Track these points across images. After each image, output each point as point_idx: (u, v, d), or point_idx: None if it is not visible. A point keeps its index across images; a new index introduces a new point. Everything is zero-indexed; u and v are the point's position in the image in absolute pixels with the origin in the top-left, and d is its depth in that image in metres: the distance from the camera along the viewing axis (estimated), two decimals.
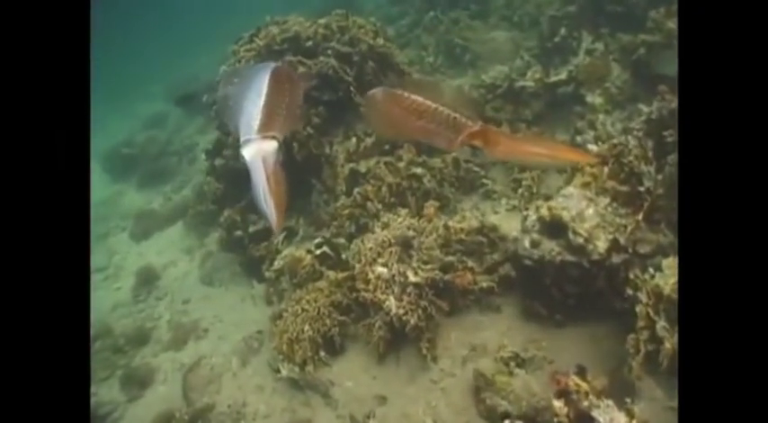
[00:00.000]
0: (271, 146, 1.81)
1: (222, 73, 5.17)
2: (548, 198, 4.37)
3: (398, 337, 3.69)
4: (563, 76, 5.11)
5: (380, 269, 3.61)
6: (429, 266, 3.64)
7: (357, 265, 3.76)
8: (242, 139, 1.85)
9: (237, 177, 5.26)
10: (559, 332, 3.57)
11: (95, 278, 6.67)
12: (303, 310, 3.97)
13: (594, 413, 2.30)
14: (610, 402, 2.33)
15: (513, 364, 3.41)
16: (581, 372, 2.69)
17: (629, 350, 3.03)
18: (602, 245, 3.26)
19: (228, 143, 5.05)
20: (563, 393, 2.58)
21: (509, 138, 2.04)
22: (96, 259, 6.92)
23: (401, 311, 3.51)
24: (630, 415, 2.30)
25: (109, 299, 6.19)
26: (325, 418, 3.73)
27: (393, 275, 3.58)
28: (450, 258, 3.75)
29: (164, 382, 4.73)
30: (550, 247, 3.38)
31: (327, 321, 3.89)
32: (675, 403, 2.95)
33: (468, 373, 3.51)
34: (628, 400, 2.46)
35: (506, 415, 3.19)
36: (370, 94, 2.16)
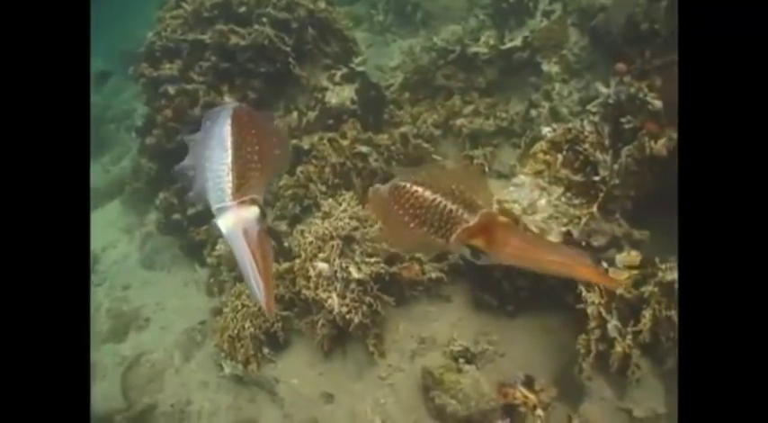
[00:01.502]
0: (251, 213, 1.58)
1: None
2: (500, 175, 4.27)
3: (344, 332, 3.58)
4: (518, 42, 4.89)
5: (321, 265, 3.46)
6: (373, 260, 3.49)
7: (297, 261, 3.59)
8: (214, 207, 1.60)
9: (172, 158, 4.97)
10: (511, 323, 3.51)
11: None
12: (243, 305, 3.81)
13: None
14: None
15: (462, 359, 3.34)
16: (529, 382, 2.63)
17: (579, 350, 2.99)
18: (554, 240, 3.16)
19: (158, 122, 4.74)
20: (509, 409, 2.52)
21: (518, 237, 1.71)
22: None
23: (344, 310, 3.38)
24: None
25: None
26: (271, 416, 3.65)
27: (335, 272, 3.43)
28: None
29: (103, 378, 4.56)
30: None
31: (270, 317, 3.74)
32: (625, 404, 2.94)
33: (417, 368, 3.45)
34: None
35: (455, 415, 3.14)
36: (372, 191, 1.95)
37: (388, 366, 3.52)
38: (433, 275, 3.63)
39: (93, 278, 5.70)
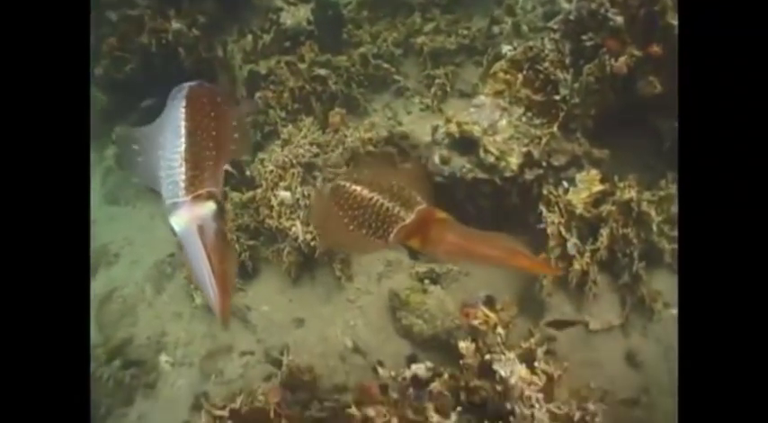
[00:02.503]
0: (206, 208, 1.45)
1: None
2: (463, 95, 4.25)
3: (310, 259, 3.65)
4: None
5: (283, 194, 3.49)
6: None
7: (259, 190, 3.60)
8: (167, 202, 1.46)
9: (123, 89, 4.85)
10: None
11: None
12: None
13: (496, 366, 2.34)
14: (512, 355, 2.37)
15: (427, 280, 3.45)
16: (489, 301, 2.73)
17: None
18: (514, 161, 3.22)
19: (104, 51, 4.57)
20: (471, 330, 2.63)
21: (454, 233, 1.69)
22: None
23: (309, 237, 3.44)
24: (532, 368, 2.35)
25: None
26: (245, 342, 3.75)
27: (297, 199, 3.46)
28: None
29: None
30: (461, 164, 3.31)
31: (236, 246, 3.79)
32: (582, 317, 3.09)
33: (385, 290, 3.56)
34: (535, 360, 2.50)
35: (422, 335, 3.28)
36: (317, 190, 1.89)
37: (356, 289, 3.62)
38: None
39: None
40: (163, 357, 3.94)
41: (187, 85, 1.68)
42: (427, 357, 3.24)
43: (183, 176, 1.47)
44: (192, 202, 1.45)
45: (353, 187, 1.79)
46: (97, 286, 4.76)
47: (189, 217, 1.45)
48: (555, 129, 3.30)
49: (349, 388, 3.21)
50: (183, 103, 1.58)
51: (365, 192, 1.75)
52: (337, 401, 3.11)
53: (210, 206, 1.47)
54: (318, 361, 3.35)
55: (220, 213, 1.48)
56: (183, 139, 1.52)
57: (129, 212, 5.35)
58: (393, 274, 3.62)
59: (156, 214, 5.11)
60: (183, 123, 1.54)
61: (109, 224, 5.33)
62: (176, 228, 1.46)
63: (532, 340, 2.61)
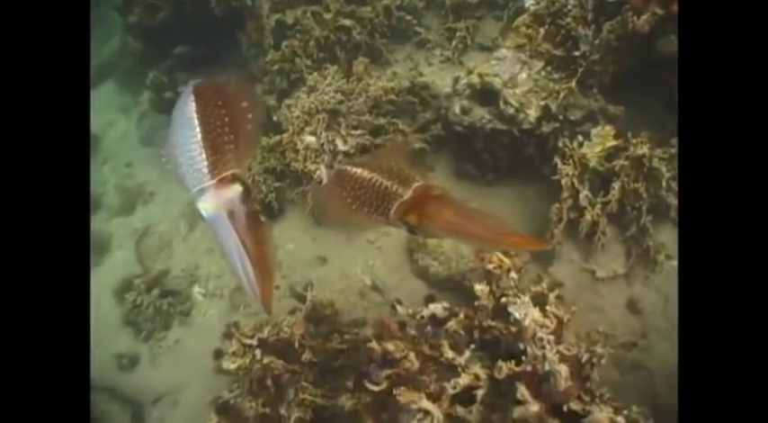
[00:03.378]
0: (233, 191, 1.33)
1: None
2: (483, 48, 4.03)
3: None
4: None
5: (309, 138, 3.35)
6: (359, 132, 3.39)
7: (285, 135, 3.47)
8: (194, 191, 1.36)
9: (157, 35, 4.66)
10: (490, 191, 3.48)
11: None
12: None
13: (511, 308, 2.25)
14: (526, 299, 2.27)
15: None
16: None
17: (552, 218, 2.98)
18: (533, 113, 3.06)
19: (136, 0, 4.37)
20: (485, 274, 2.53)
21: (450, 210, 1.54)
22: None
23: None
24: (543, 312, 2.25)
25: None
26: None
27: (322, 144, 3.32)
28: (381, 121, 3.49)
29: (120, 247, 4.60)
30: (481, 115, 3.15)
31: (263, 188, 3.69)
32: (590, 266, 2.99)
33: (403, 233, 3.44)
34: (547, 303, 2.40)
35: (437, 276, 3.20)
36: (316, 179, 1.73)
37: (376, 231, 3.53)
38: (417, 146, 3.54)
39: (98, 156, 5.58)
40: (196, 288, 3.92)
41: (191, 83, 1.57)
42: (442, 298, 3.19)
43: (205, 162, 1.37)
44: (218, 186, 1.35)
45: (354, 169, 1.72)
46: (135, 222, 4.74)
47: (217, 201, 1.35)
48: (573, 84, 3.12)
49: (367, 323, 3.17)
50: (192, 99, 1.47)
51: (365, 173, 1.68)
52: (356, 335, 3.07)
53: (237, 189, 1.36)
54: (339, 297, 3.29)
55: (248, 195, 1.37)
56: (197, 129, 1.42)
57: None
58: None
59: None
60: (194, 115, 1.44)
61: (145, 165, 5.26)
62: (205, 213, 1.36)
63: (544, 284, 2.51)
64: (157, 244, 4.31)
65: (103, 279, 4.36)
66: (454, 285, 3.17)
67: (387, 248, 3.47)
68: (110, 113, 5.94)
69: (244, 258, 1.31)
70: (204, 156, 1.38)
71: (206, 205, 1.35)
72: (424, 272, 3.25)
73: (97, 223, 4.89)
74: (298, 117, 3.40)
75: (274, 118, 3.97)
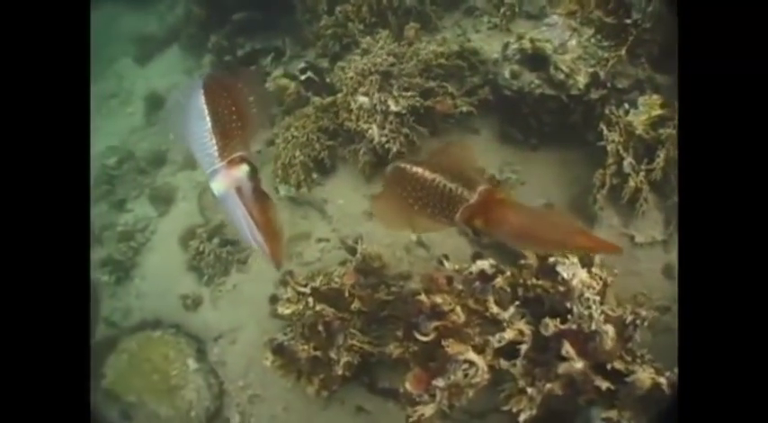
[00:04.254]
0: (241, 171, 1.38)
1: None
2: (530, 16, 3.76)
3: (383, 159, 3.39)
4: None
5: (362, 99, 3.19)
6: (409, 93, 3.20)
7: (339, 95, 3.32)
8: (206, 173, 1.41)
9: (218, 2, 4.53)
10: (533, 155, 3.28)
11: (111, 104, 6.18)
12: (293, 136, 3.62)
13: (559, 268, 2.09)
14: (575, 260, 2.11)
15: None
16: (548, 208, 2.45)
17: (595, 183, 2.78)
18: (581, 80, 2.83)
19: None
20: None
21: (516, 213, 1.39)
22: (108, 85, 6.35)
23: (383, 139, 3.17)
24: (590, 273, 2.09)
25: (125, 124, 5.75)
26: (322, 230, 3.62)
27: (375, 105, 3.16)
28: (431, 84, 3.29)
29: (183, 199, 4.57)
30: (530, 80, 2.93)
31: (317, 146, 3.56)
32: (629, 231, 2.80)
33: None
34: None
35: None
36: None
37: None
38: (464, 109, 3.34)
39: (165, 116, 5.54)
40: None
41: (198, 78, 1.58)
42: (486, 256, 3.05)
43: (215, 147, 1.41)
44: (228, 167, 1.40)
45: (414, 169, 1.54)
46: (198, 176, 4.68)
47: (227, 181, 1.39)
48: (623, 52, 2.87)
49: (413, 276, 3.06)
50: (201, 92, 1.49)
51: (426, 173, 1.50)
52: (402, 288, 2.97)
53: (244, 168, 1.40)
54: (386, 251, 3.18)
55: (254, 173, 1.42)
56: (207, 118, 1.45)
57: None
58: None
59: None
60: (204, 106, 1.46)
61: None
62: (217, 192, 1.40)
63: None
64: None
65: (170, 227, 4.36)
66: (497, 244, 3.02)
67: None
68: (174, 76, 5.86)
69: (252, 227, 1.35)
70: (214, 141, 1.42)
71: (217, 185, 1.40)
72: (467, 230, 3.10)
73: (163, 176, 4.89)
74: (351, 78, 3.23)
75: (327, 80, 3.82)
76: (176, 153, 5.02)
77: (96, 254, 4.32)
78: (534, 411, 1.99)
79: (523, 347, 2.10)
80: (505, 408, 2.05)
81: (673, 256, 2.81)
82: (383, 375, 2.87)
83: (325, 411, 2.98)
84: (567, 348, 1.96)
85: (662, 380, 1.95)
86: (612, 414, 1.99)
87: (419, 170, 1.52)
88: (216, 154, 1.40)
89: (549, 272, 2.17)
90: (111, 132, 5.61)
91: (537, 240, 1.40)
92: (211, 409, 3.20)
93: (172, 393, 3.19)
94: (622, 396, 1.99)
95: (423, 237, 3.24)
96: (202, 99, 1.47)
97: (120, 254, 4.22)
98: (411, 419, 2.06)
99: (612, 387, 1.92)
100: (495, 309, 2.23)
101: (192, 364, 3.30)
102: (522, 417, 1.98)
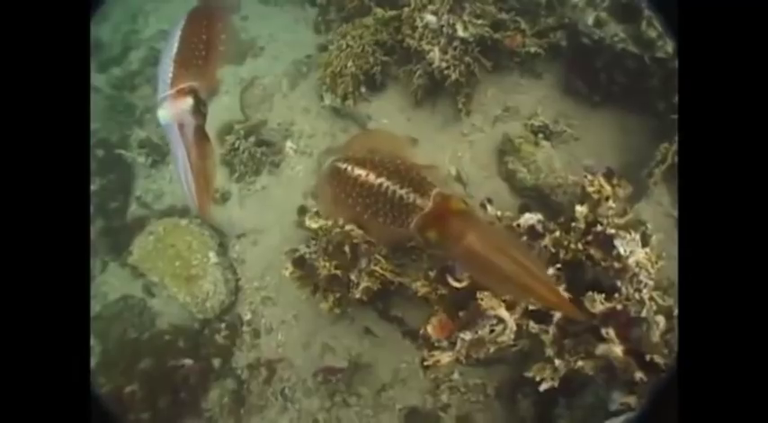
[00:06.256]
0: (185, 104, 1.24)
1: None
2: None
3: (437, 86, 2.96)
4: None
5: (429, 17, 2.69)
6: (480, 21, 2.70)
7: (406, 9, 2.81)
8: (159, 98, 1.28)
9: None
10: (593, 113, 2.82)
11: None
12: (348, 45, 3.15)
13: (617, 242, 1.73)
14: (636, 237, 1.74)
15: (541, 135, 2.76)
16: (609, 174, 2.06)
17: (656, 156, 2.35)
18: (671, 45, 2.30)
19: None
20: (587, 198, 1.99)
21: (477, 234, 1.06)
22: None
23: (444, 65, 2.72)
24: (647, 254, 1.73)
25: (180, 9, 5.11)
26: None
27: (441, 26, 2.67)
28: (504, 16, 2.78)
29: (226, 92, 4.16)
30: (615, 32, 2.41)
31: (371, 59, 3.10)
32: (675, 212, 2.40)
33: (497, 132, 2.90)
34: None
35: (523, 182, 2.68)
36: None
37: (471, 125, 2.97)
38: (532, 50, 2.84)
39: None
40: (288, 143, 3.53)
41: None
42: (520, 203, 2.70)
43: (170, 74, 1.30)
44: (174, 97, 1.27)
45: (356, 171, 1.20)
46: (243, 72, 4.26)
47: (171, 110, 1.27)
48: None
49: None
50: (184, 19, 1.41)
51: (371, 177, 1.18)
52: None
53: (189, 101, 1.27)
54: None
55: (198, 109, 1.29)
56: (175, 46, 1.35)
57: (277, 13, 4.62)
58: (508, 120, 2.92)
59: (299, 18, 4.40)
60: (178, 34, 1.37)
61: (258, 21, 4.63)
62: (162, 120, 1.28)
63: (649, 225, 1.97)
64: (260, 95, 3.86)
65: (209, 119, 3.99)
66: (538, 196, 2.66)
67: (478, 143, 2.94)
68: None
69: (187, 171, 1.25)
70: (171, 68, 1.32)
71: (163, 113, 1.27)
72: (510, 176, 2.73)
73: None
74: None
75: None
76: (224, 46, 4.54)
77: (136, 135, 4.04)
78: (556, 383, 1.73)
79: (557, 315, 1.80)
80: (527, 373, 1.79)
81: None
82: (398, 304, 2.63)
83: (333, 326, 2.79)
84: (609, 330, 1.65)
85: None
86: (631, 400, 1.73)
87: (362, 173, 1.19)
88: (168, 81, 1.29)
89: (604, 242, 1.82)
90: (165, 16, 5.09)
91: (493, 273, 1.06)
92: (225, 303, 3.02)
93: (191, 282, 3.01)
94: (648, 385, 1.72)
95: (462, 172, 2.88)
96: (181, 26, 1.38)
97: (159, 137, 3.91)
98: (426, 363, 1.82)
99: (645, 379, 1.63)
100: None
101: (212, 256, 3.09)
102: (543, 386, 1.72)
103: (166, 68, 1.31)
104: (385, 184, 1.16)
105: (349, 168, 1.22)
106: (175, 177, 3.74)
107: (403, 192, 1.14)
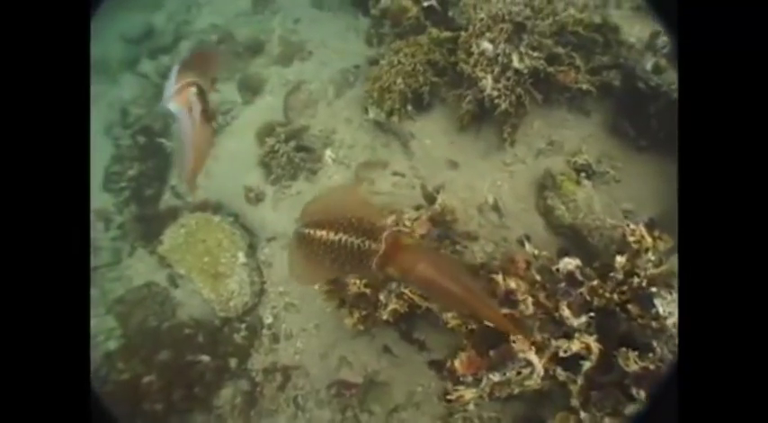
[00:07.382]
0: (190, 92, 1.56)
1: None
2: None
3: (485, 114, 2.97)
4: None
5: (486, 45, 2.70)
6: (536, 54, 2.70)
7: (463, 33, 2.83)
8: (166, 96, 1.59)
9: None
10: (638, 157, 2.79)
11: None
12: (399, 62, 3.17)
13: (657, 301, 1.71)
14: (676, 297, 1.71)
15: (583, 174, 2.73)
16: (651, 225, 2.03)
17: None
18: None
19: None
20: (626, 247, 1.96)
21: (427, 263, 1.29)
22: None
23: (495, 94, 2.72)
24: None
25: (233, 5, 5.31)
26: (400, 164, 3.27)
27: (497, 55, 2.68)
28: (560, 50, 2.77)
29: (270, 92, 4.23)
30: (673, 80, 2.38)
31: (421, 78, 3.12)
32: None
33: (539, 166, 2.89)
34: None
35: (560, 220, 2.66)
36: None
37: (513, 155, 2.97)
38: (584, 87, 2.83)
39: (269, 7, 5.05)
40: (328, 152, 3.56)
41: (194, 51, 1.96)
42: (556, 242, 2.68)
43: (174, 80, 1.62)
44: (180, 89, 1.57)
45: (318, 233, 1.45)
46: (289, 74, 4.33)
47: (179, 99, 1.56)
48: None
49: (478, 237, 2.73)
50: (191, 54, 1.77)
51: (330, 235, 1.43)
52: (465, 248, 2.66)
53: (193, 90, 1.58)
54: (458, 205, 2.84)
55: (203, 94, 1.58)
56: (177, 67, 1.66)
57: (329, 19, 4.68)
58: (551, 155, 2.91)
59: (351, 27, 4.44)
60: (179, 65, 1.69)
61: (310, 24, 4.71)
62: (173, 109, 1.57)
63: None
64: (305, 100, 3.91)
65: (251, 117, 4.07)
66: (574, 236, 2.64)
67: (519, 175, 2.93)
68: None
69: (189, 151, 1.53)
70: (176, 71, 1.65)
71: (173, 103, 1.56)
72: (548, 211, 2.71)
73: (256, 66, 4.52)
74: (482, 20, 2.73)
75: (450, 13, 3.29)
76: (274, 46, 4.62)
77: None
78: None
79: (586, 365, 1.79)
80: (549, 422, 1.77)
81: None
82: (421, 327, 2.63)
83: (353, 340, 2.80)
84: (641, 392, 1.63)
85: None
86: None
87: (323, 233, 1.42)
88: (174, 82, 1.59)
89: (643, 298, 1.80)
90: (217, 10, 5.21)
91: (445, 296, 1.29)
92: (249, 304, 3.06)
93: (217, 279, 3.05)
94: None
95: (499, 202, 2.87)
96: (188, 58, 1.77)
97: None
98: (449, 397, 1.81)
99: None
100: (566, 312, 1.89)
101: (241, 256, 3.13)
102: None
103: (171, 78, 1.61)
104: (343, 238, 1.39)
105: (311, 232, 1.44)
106: (212, 171, 3.81)
107: (359, 241, 1.37)
